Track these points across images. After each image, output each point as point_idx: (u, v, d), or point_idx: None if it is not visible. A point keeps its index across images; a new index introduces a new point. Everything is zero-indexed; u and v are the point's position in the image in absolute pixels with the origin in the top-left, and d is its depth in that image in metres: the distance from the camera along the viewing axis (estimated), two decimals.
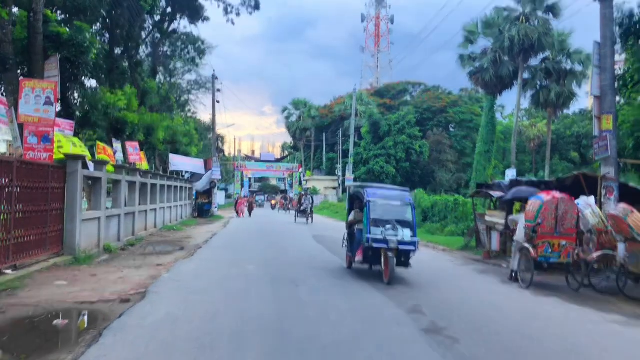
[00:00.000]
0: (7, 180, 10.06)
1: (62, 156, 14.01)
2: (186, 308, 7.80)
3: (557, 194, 10.73)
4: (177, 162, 33.90)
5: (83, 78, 20.23)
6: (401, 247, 10.47)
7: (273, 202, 60.89)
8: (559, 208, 10.41)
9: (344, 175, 57.63)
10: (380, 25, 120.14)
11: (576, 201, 10.87)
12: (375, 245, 10.50)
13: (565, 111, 47.28)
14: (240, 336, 6.32)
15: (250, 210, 41.77)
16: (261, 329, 6.64)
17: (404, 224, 10.79)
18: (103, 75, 22.52)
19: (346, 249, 12.82)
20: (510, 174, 23.14)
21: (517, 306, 8.97)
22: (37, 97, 13.93)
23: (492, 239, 15.78)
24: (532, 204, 10.79)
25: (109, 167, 17.50)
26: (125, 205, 19.04)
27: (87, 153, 17.13)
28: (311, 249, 17.14)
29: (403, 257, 10.73)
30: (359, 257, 11.34)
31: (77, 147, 16.60)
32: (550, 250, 10.42)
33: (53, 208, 12.37)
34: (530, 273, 10.48)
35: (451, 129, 69.10)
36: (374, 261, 11.09)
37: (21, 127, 13.40)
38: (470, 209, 22.52)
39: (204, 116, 62.81)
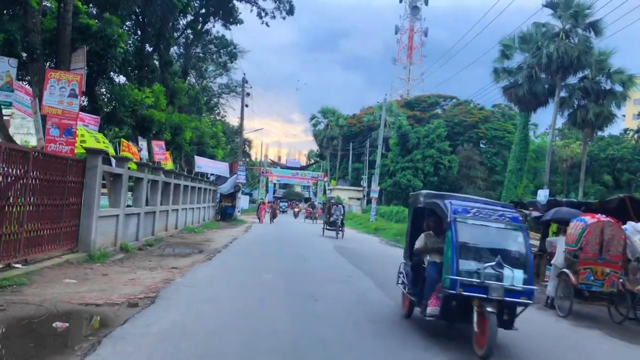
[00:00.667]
0: (22, 171, 9.68)
1: (83, 151, 13.70)
2: (195, 318, 7.24)
3: (602, 217, 9.92)
4: (202, 164, 33.65)
5: (111, 73, 19.97)
6: (508, 298, 6.61)
7: (296, 209, 56.33)
8: (604, 232, 9.60)
9: (369, 186, 56.90)
10: (414, 38, 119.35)
11: (623, 226, 10.02)
12: (465, 292, 6.55)
13: (601, 133, 46.01)
14: (249, 356, 5.72)
15: (273, 216, 40.62)
16: (272, 350, 6.01)
17: (511, 259, 6.94)
18: (132, 72, 22.27)
19: (403, 287, 8.54)
20: (543, 194, 22.15)
21: (556, 337, 8.20)
22: (62, 89, 13.66)
23: None
24: (575, 227, 9.99)
25: (132, 165, 17.17)
26: (147, 204, 18.71)
27: (110, 149, 16.83)
28: (342, 273, 14.02)
29: (507, 313, 6.93)
30: (432, 308, 7.18)
31: (100, 143, 16.27)
32: (592, 278, 9.60)
33: (69, 203, 11.99)
34: (570, 301, 9.65)
35: (482, 145, 67.90)
36: (458, 316, 7.03)
37: (44, 118, 13.13)
38: None
39: (233, 120, 62.76)
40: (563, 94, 35.68)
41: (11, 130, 42.94)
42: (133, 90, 19.97)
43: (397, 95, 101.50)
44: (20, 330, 6.31)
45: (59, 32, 14.57)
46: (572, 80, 35.88)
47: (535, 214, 14.56)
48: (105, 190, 21.58)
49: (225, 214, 37.49)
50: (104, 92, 20.65)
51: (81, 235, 12.51)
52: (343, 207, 28.98)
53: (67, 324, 6.50)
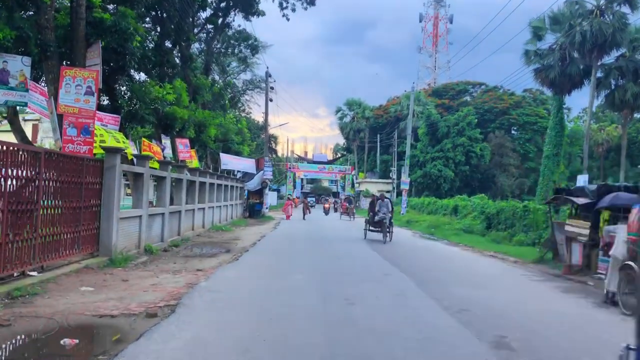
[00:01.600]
0: (33, 173, 9.07)
1: (102, 151, 13.13)
2: (218, 330, 6.48)
3: None
4: (228, 160, 33.06)
5: (130, 70, 19.44)
6: None
7: (326, 205, 49.12)
8: None
9: (398, 178, 55.73)
10: (439, 25, 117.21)
11: None
12: None
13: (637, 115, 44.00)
14: None
15: (305, 212, 38.99)
16: None
17: None
18: (152, 69, 21.72)
19: None
20: (582, 179, 20.91)
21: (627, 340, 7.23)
22: (78, 87, 13.13)
23: (573, 251, 13.86)
24: (638, 214, 8.94)
25: (154, 164, 16.59)
26: (172, 204, 18.14)
27: (129, 149, 16.27)
28: (378, 271, 13.35)
29: None
30: None
31: (119, 143, 15.70)
32: None
33: (88, 205, 11.41)
34: (637, 297, 8.63)
35: (513, 132, 66.11)
36: None
37: (61, 118, 12.60)
38: (541, 217, 20.47)
39: (258, 116, 62.21)
40: (599, 74, 34.03)
41: (40, 135, 43.21)
42: (153, 87, 19.38)
43: (424, 84, 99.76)
44: (23, 349, 5.67)
45: (72, 27, 14.00)
46: (608, 59, 34.23)
47: (582, 200, 13.44)
48: (130, 191, 21.16)
49: (253, 211, 36.94)
50: (124, 91, 20.15)
51: (101, 238, 11.93)
52: (390, 201, 22.52)
53: (76, 341, 5.80)
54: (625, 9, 32.53)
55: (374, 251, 16.83)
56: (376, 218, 21.09)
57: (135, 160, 14.56)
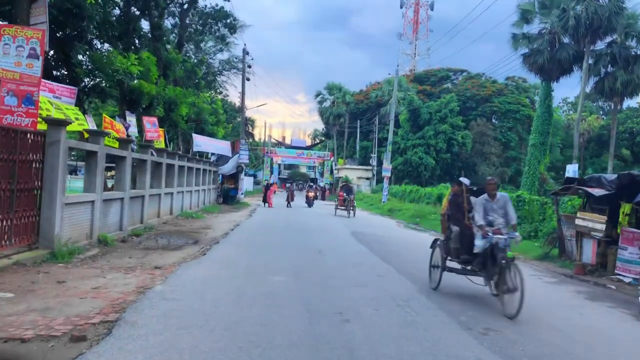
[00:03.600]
0: None
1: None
2: None
3: None
4: (201, 142, 30.94)
5: (90, 37, 17.32)
6: None
7: (310, 193, 39.45)
8: None
9: (379, 165, 54.07)
10: (420, 12, 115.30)
11: None
12: None
13: (628, 103, 43.05)
14: None
15: (289, 199, 35.52)
16: None
17: None
18: (117, 39, 19.55)
19: None
20: (572, 169, 19.53)
21: None
22: (19, 48, 11.21)
23: (585, 248, 12.38)
24: None
25: (111, 141, 14.61)
26: (134, 188, 16.19)
27: (86, 125, 14.25)
28: (370, 270, 11.89)
29: None
30: None
31: (72, 118, 13.67)
32: None
33: (24, 187, 9.47)
34: None
35: (494, 120, 64.95)
36: None
37: None
38: (536, 208, 19.05)
39: (234, 99, 59.88)
40: (589, 60, 32.74)
41: None
42: (117, 56, 17.27)
43: (405, 71, 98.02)
44: None
45: None
46: (599, 45, 32.95)
47: (599, 192, 11.90)
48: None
49: (228, 196, 34.97)
50: (84, 61, 17.98)
51: (42, 227, 10.00)
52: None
53: None
54: None
55: (360, 244, 15.14)
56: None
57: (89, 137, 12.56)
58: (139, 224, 16.01)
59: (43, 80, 15.06)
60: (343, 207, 28.46)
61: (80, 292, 7.24)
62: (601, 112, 67.57)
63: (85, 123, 14.46)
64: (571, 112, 68.32)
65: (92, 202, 11.98)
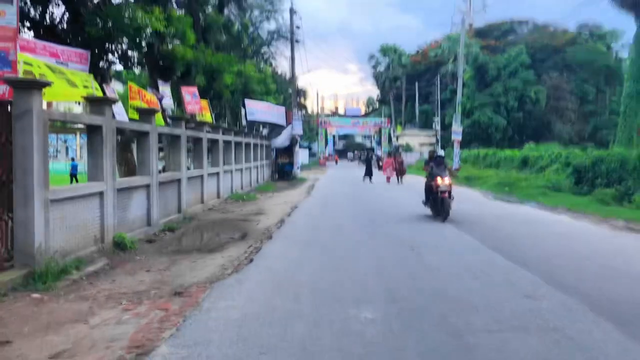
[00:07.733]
0: None
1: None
2: None
3: None
4: (254, 108, 27.71)
5: None
6: None
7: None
8: None
9: (443, 129, 49.55)
10: None
11: None
12: None
13: None
14: None
15: (400, 173, 28.23)
16: None
17: None
18: None
19: None
20: None
21: None
22: None
23: None
24: None
25: (134, 115, 11.46)
26: (164, 171, 13.10)
27: (98, 91, 11.13)
28: (510, 288, 8.04)
29: None
30: None
31: (78, 88, 10.54)
32: None
33: None
34: None
35: (567, 73, 58.92)
36: None
37: None
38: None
39: (285, 70, 56.38)
40: None
41: None
42: (136, 10, 14.04)
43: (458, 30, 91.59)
44: None
45: None
46: None
47: None
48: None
49: (283, 172, 31.94)
50: (98, 20, 14.83)
51: (17, 236, 6.92)
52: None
53: None
54: None
55: (455, 227, 11.47)
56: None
57: (89, 107, 9.39)
58: (176, 214, 12.95)
59: (44, 42, 12.12)
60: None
61: None
62: None
63: (98, 91, 11.35)
64: None
65: (100, 193, 8.86)
